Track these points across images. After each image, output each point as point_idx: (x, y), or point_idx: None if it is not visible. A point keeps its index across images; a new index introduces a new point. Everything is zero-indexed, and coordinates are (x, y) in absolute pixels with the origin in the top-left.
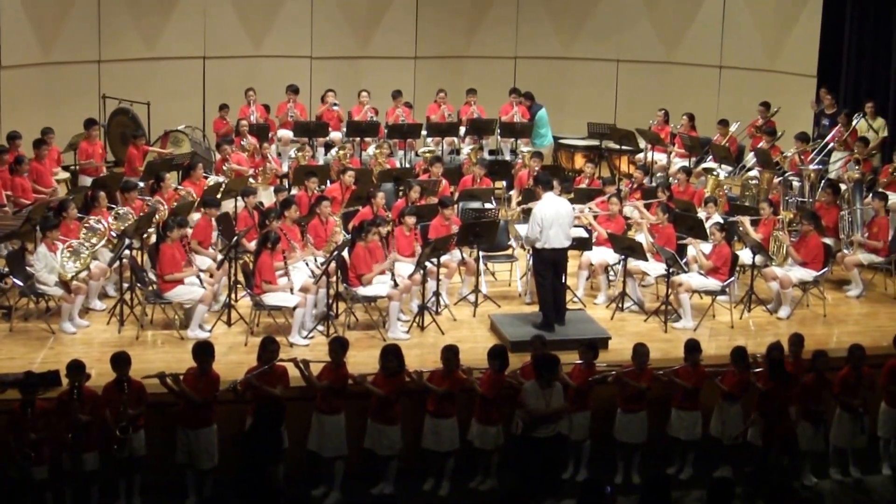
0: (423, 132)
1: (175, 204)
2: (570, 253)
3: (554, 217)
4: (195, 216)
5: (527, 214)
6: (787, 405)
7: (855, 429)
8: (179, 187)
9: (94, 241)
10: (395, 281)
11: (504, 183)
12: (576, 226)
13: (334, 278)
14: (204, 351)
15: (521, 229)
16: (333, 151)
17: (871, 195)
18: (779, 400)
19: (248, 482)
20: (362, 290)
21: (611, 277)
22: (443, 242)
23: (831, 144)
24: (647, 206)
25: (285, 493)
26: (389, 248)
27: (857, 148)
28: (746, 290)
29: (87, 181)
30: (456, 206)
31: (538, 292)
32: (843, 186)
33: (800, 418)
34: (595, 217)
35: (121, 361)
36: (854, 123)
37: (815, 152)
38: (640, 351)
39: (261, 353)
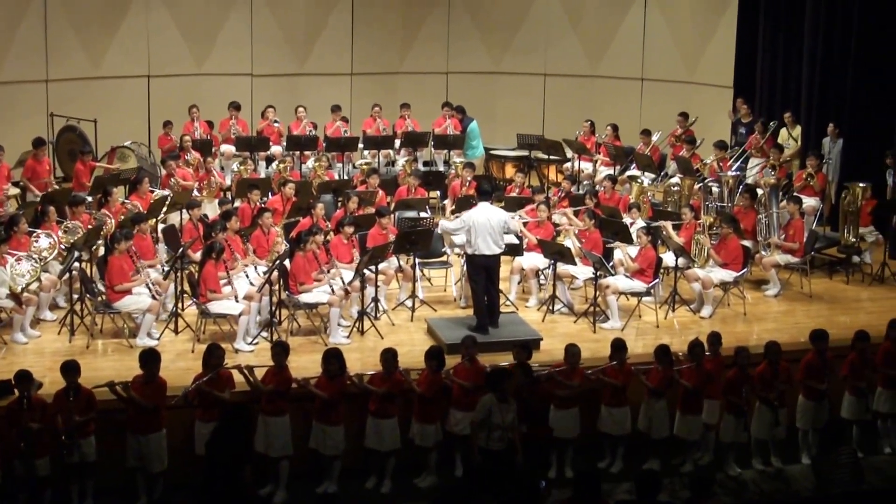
0: (360, 145)
1: (122, 217)
2: (502, 258)
3: (484, 225)
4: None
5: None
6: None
7: (773, 421)
8: (126, 201)
9: (44, 254)
10: (332, 288)
11: (438, 193)
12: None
13: (277, 286)
14: (150, 358)
15: (457, 238)
16: (274, 165)
17: (786, 199)
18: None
19: (215, 484)
20: (303, 298)
21: (541, 281)
22: (380, 250)
23: (748, 151)
24: (575, 213)
25: (252, 495)
26: (329, 257)
27: (773, 154)
28: (670, 291)
29: (35, 196)
30: (392, 215)
31: (472, 297)
32: (759, 191)
33: (723, 411)
34: (525, 224)
35: (70, 370)
36: (769, 131)
37: (732, 159)
38: (572, 351)
39: (207, 360)
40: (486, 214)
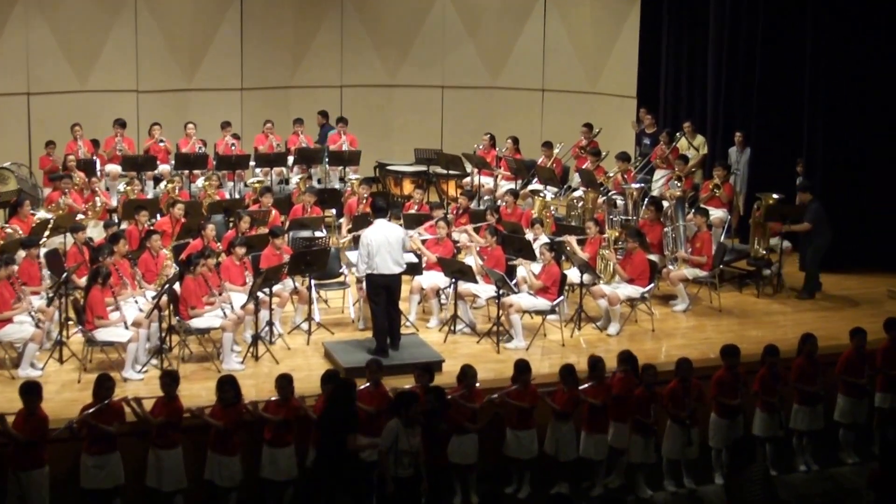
0: (252, 163)
1: (1, 242)
2: (402, 277)
3: (382, 243)
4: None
5: (358, 242)
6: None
7: (685, 440)
8: (6, 225)
9: None
10: (224, 312)
11: (334, 211)
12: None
13: (166, 311)
14: (30, 391)
15: (352, 256)
16: (162, 185)
17: (692, 211)
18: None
19: (328, 450)
20: (195, 323)
21: (442, 301)
22: (274, 272)
23: (653, 163)
24: (476, 230)
25: (357, 460)
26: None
27: (678, 165)
28: (576, 308)
29: None
30: (286, 235)
31: (372, 318)
32: (665, 204)
33: (632, 433)
34: (424, 242)
35: None
36: (675, 142)
37: (637, 171)
38: (468, 372)
39: (97, 391)
40: (384, 232)
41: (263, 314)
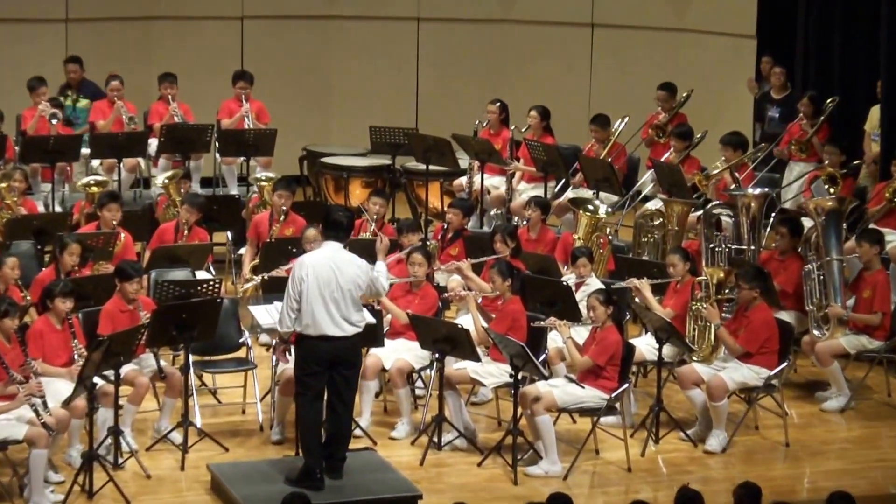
0: (85, 150)
1: None
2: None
3: (326, 282)
4: None
5: (275, 289)
6: None
7: None
8: None
9: None
10: (36, 412)
11: (229, 235)
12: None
13: None
14: None
15: (260, 313)
16: None
17: (855, 236)
18: None
19: None
20: None
21: (418, 391)
22: (124, 342)
23: (784, 150)
24: (478, 268)
25: None
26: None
27: (829, 155)
28: (651, 405)
29: None
30: (146, 276)
31: (297, 420)
32: (807, 223)
33: None
34: (390, 287)
35: None
36: (823, 115)
37: (755, 163)
38: None
39: None
40: (333, 263)
41: (104, 415)
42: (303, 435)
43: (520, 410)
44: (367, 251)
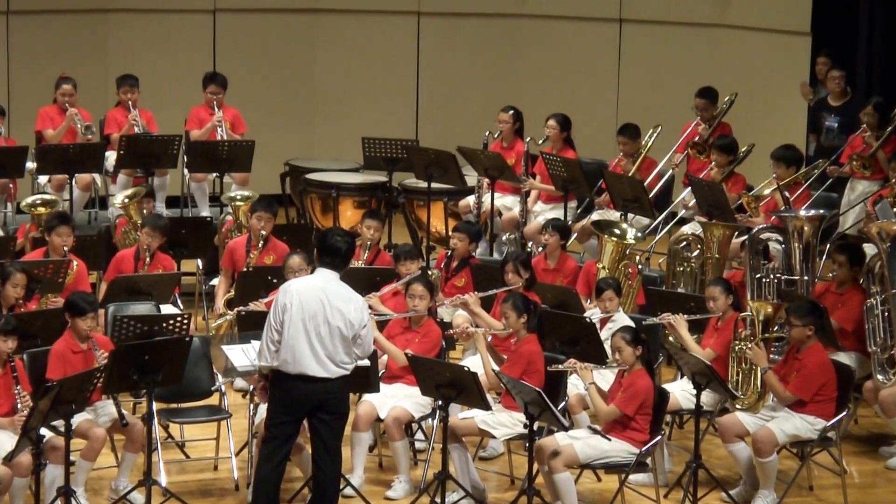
0: (30, 163)
1: None
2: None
3: (312, 313)
4: None
5: (252, 325)
6: None
7: None
8: None
9: None
10: None
11: (199, 263)
12: None
13: None
14: None
15: (235, 355)
16: None
17: None
18: None
19: None
20: None
21: (418, 444)
22: (76, 388)
23: (844, 166)
24: (487, 302)
25: None
26: None
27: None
28: (688, 461)
29: None
30: (102, 311)
31: (255, 474)
32: (870, 249)
33: None
34: (382, 325)
35: None
36: (891, 125)
37: (809, 182)
38: None
39: None
40: (322, 294)
41: (53, 472)
42: (254, 489)
43: (536, 466)
44: (364, 284)
